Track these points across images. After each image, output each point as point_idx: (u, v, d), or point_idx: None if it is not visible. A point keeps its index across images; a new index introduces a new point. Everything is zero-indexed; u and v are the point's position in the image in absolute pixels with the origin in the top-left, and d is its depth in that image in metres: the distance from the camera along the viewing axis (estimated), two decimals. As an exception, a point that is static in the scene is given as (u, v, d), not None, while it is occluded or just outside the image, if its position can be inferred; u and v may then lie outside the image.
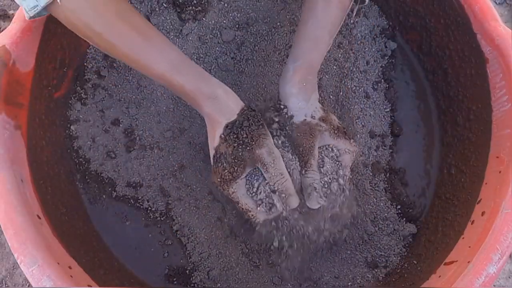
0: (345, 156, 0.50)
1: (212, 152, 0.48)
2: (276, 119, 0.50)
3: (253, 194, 0.47)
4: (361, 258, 0.61)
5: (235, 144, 0.46)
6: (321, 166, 0.49)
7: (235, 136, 0.46)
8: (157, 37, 0.46)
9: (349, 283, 0.60)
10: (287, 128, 0.50)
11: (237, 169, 0.46)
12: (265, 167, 0.46)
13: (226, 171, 0.46)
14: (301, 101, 0.50)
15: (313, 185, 0.47)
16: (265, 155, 0.46)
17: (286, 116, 0.50)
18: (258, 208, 0.47)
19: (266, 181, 0.47)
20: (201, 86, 0.46)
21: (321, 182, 0.48)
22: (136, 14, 0.46)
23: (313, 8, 0.50)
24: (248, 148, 0.46)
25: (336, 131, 0.49)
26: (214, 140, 0.47)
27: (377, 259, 0.61)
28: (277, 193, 0.46)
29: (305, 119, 0.49)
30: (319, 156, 0.49)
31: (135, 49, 0.45)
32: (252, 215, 0.48)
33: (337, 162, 0.50)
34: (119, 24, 0.44)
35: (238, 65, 0.65)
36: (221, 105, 0.46)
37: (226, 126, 0.46)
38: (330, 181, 0.49)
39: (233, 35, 0.65)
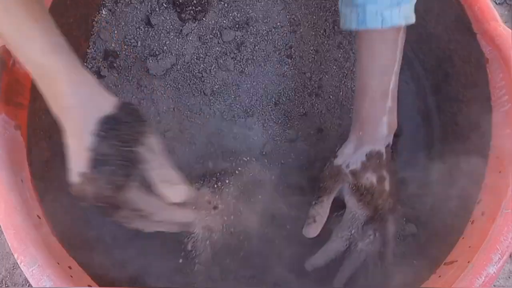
0: (348, 215, 0.52)
1: (83, 155, 0.39)
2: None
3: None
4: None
5: (118, 143, 0.38)
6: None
7: (116, 133, 0.38)
8: (42, 18, 0.38)
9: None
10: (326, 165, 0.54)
11: (129, 170, 0.39)
12: (148, 164, 0.40)
13: (115, 176, 0.39)
14: (351, 148, 0.52)
15: (314, 218, 0.50)
16: (146, 153, 0.40)
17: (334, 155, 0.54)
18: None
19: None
20: (71, 69, 0.38)
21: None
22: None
23: (363, 56, 0.50)
24: (131, 146, 0.39)
25: (355, 190, 0.51)
26: (81, 139, 0.39)
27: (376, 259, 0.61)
28: (161, 184, 0.41)
29: (341, 165, 0.52)
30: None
31: (10, 27, 0.37)
32: (152, 218, 0.44)
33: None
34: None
35: (238, 65, 0.65)
36: (93, 94, 0.39)
37: (103, 120, 0.38)
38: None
39: (233, 35, 0.65)
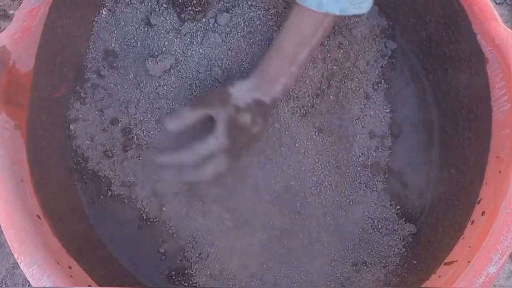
0: (210, 139, 0.56)
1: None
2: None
3: None
4: (360, 258, 0.61)
5: None
6: None
7: None
8: None
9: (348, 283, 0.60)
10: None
11: None
12: None
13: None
14: (246, 86, 0.57)
15: (179, 114, 0.58)
16: None
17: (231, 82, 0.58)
18: None
19: None
20: None
21: None
22: None
23: (289, 20, 0.55)
24: None
25: (230, 120, 0.55)
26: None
27: (376, 260, 0.61)
28: None
29: (231, 95, 0.56)
30: None
31: None
32: None
33: None
34: None
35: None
36: None
37: None
38: None
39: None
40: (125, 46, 0.64)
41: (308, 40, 0.55)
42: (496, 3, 0.91)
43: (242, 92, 0.56)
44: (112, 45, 0.64)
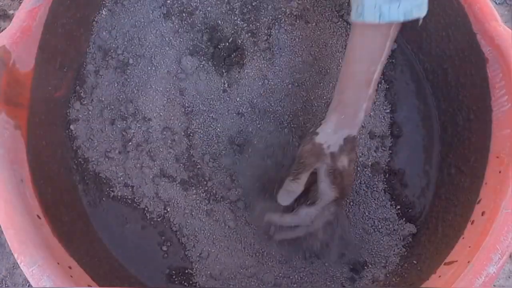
0: (320, 195, 0.54)
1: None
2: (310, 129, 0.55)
3: None
4: (360, 258, 0.61)
5: None
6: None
7: None
8: None
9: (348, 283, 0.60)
10: (305, 139, 0.55)
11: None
12: None
13: None
14: (332, 129, 0.53)
15: (288, 189, 0.54)
16: None
17: (314, 131, 0.54)
18: None
19: None
20: None
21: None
22: None
23: (351, 45, 0.51)
24: None
25: (331, 171, 0.52)
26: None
27: (376, 260, 0.61)
28: None
29: (322, 144, 0.52)
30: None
31: None
32: None
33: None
34: None
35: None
36: None
37: None
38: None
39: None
40: (124, 47, 0.64)
41: (379, 57, 0.50)
42: (496, 3, 0.91)
43: (330, 136, 0.53)
44: (112, 45, 0.64)
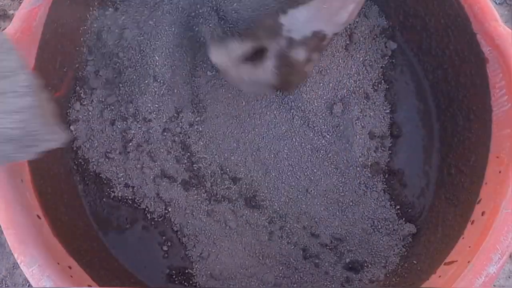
0: (257, 67, 0.49)
1: None
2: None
3: None
4: (360, 258, 0.61)
5: None
6: None
7: None
8: None
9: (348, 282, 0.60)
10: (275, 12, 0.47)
11: None
12: None
13: None
14: (304, 15, 0.45)
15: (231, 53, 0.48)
16: None
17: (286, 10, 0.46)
18: None
19: None
20: None
21: None
22: None
23: None
24: None
25: (281, 55, 0.48)
26: None
27: (376, 260, 0.61)
28: None
29: (284, 25, 0.46)
30: None
31: None
32: None
33: None
34: None
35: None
36: None
37: None
38: None
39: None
40: (124, 47, 0.64)
41: None
42: (496, 3, 0.91)
43: (297, 21, 0.46)
44: (111, 45, 0.64)
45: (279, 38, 0.46)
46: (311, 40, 0.47)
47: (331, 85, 0.66)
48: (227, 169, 0.63)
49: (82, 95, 0.63)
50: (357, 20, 0.67)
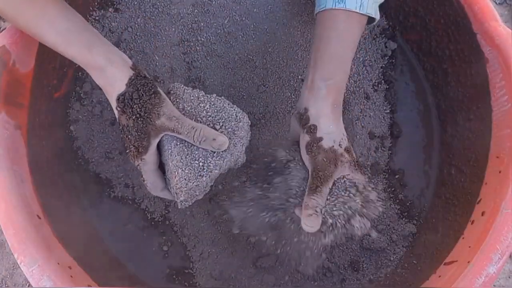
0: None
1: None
2: (307, 139, 0.48)
3: (189, 161, 0.45)
4: (360, 258, 0.61)
5: (134, 117, 0.44)
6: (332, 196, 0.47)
7: (129, 109, 0.44)
8: (52, 9, 0.44)
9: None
10: (311, 149, 0.47)
11: (143, 143, 0.45)
12: (174, 131, 0.45)
13: (131, 145, 0.45)
14: (332, 124, 0.48)
15: (315, 209, 0.44)
16: (166, 123, 0.44)
17: (315, 137, 0.48)
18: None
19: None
20: (87, 57, 0.45)
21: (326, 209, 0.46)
22: None
23: (335, 27, 0.49)
24: (147, 120, 0.44)
25: (356, 165, 0.48)
26: (114, 110, 0.46)
27: (376, 260, 0.61)
28: (203, 143, 0.45)
29: (333, 146, 0.47)
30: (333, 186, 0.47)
31: (28, 21, 0.44)
32: (149, 187, 0.48)
33: (348, 195, 0.48)
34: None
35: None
36: (107, 77, 0.45)
37: (118, 98, 0.45)
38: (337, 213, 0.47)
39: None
40: (124, 47, 0.64)
41: (356, 44, 0.49)
42: (496, 3, 0.91)
43: (334, 133, 0.48)
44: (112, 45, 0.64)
45: (341, 157, 0.47)
46: (346, 133, 0.50)
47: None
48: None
49: (82, 95, 0.63)
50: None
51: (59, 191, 0.56)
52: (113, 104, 0.45)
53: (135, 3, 0.65)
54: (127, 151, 0.46)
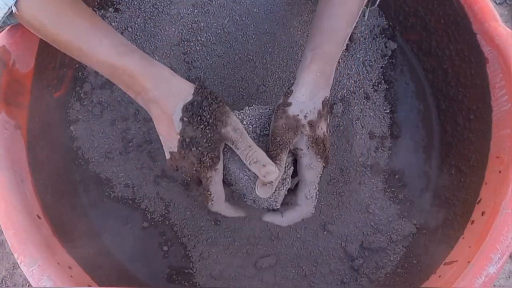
0: (307, 171, 0.47)
1: (174, 137, 0.44)
2: (279, 101, 0.47)
3: (236, 180, 0.45)
4: (360, 258, 0.61)
5: (202, 126, 0.43)
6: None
7: (198, 118, 0.43)
8: (102, 24, 0.44)
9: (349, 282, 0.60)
10: (277, 112, 0.47)
11: (214, 153, 0.44)
12: (234, 144, 0.44)
13: (205, 156, 0.43)
14: (308, 93, 0.47)
15: (266, 176, 0.44)
16: (231, 132, 0.44)
17: (286, 101, 0.47)
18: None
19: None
20: (146, 66, 0.43)
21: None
22: (83, 4, 0.44)
23: (329, 1, 0.49)
24: (214, 128, 0.43)
25: (313, 142, 0.47)
26: (171, 125, 0.44)
27: (376, 259, 0.61)
28: (253, 165, 0.44)
29: (298, 115, 0.46)
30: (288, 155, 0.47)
31: (79, 35, 0.43)
32: (213, 199, 0.46)
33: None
34: (65, 12, 0.43)
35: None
36: (172, 86, 0.44)
37: (185, 108, 0.43)
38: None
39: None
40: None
41: (354, 20, 0.49)
42: (496, 3, 0.91)
43: (305, 104, 0.47)
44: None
45: (301, 129, 0.46)
46: (323, 110, 0.48)
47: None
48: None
49: (82, 95, 0.63)
50: (357, 20, 0.67)
51: (59, 191, 0.56)
52: (176, 115, 0.43)
53: (135, 3, 0.65)
54: (194, 163, 0.44)
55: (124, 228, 0.61)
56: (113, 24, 0.64)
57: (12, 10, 0.42)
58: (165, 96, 0.43)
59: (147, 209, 0.62)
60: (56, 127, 0.59)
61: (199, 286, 0.60)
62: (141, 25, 0.65)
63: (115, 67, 0.43)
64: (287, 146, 0.46)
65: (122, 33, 0.64)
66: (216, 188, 0.45)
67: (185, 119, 0.43)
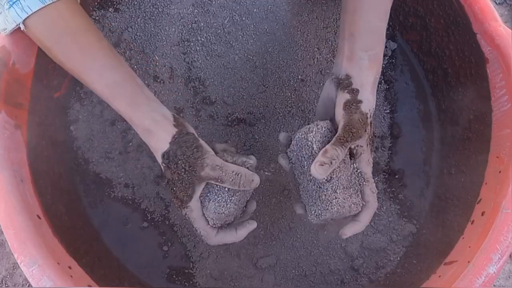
0: (367, 166, 0.49)
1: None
2: (347, 97, 0.48)
3: (223, 207, 0.48)
4: (360, 258, 0.61)
5: (178, 172, 0.46)
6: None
7: (174, 165, 0.46)
8: (102, 59, 0.47)
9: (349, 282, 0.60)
10: (350, 106, 0.48)
11: (187, 192, 0.47)
12: (217, 181, 0.46)
13: (180, 193, 0.47)
14: (372, 94, 0.49)
15: (331, 160, 0.45)
16: (210, 173, 0.46)
17: (356, 98, 0.48)
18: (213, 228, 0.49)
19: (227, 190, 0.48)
20: (132, 117, 0.47)
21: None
22: (91, 34, 0.47)
23: None
24: (192, 173, 0.46)
25: (370, 140, 0.49)
26: (160, 165, 0.48)
27: (376, 259, 0.61)
28: (242, 187, 0.47)
29: (367, 113, 0.48)
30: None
31: (78, 67, 0.46)
32: (204, 236, 0.49)
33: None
34: (67, 43, 0.46)
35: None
36: (152, 136, 0.47)
37: (162, 156, 0.47)
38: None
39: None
40: (124, 48, 0.64)
41: (388, 14, 0.50)
42: (496, 3, 0.91)
43: (370, 102, 0.49)
44: (112, 45, 0.64)
45: (367, 128, 0.48)
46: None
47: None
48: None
49: (82, 95, 0.63)
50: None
51: (59, 191, 0.56)
52: (159, 160, 0.48)
53: (135, 3, 0.65)
54: (174, 202, 0.48)
55: (123, 228, 0.61)
56: (113, 24, 0.64)
57: (20, 27, 0.45)
58: (149, 144, 0.48)
59: (147, 209, 0.62)
60: (56, 127, 0.59)
61: (199, 286, 0.60)
62: (141, 25, 0.65)
63: (110, 104, 0.48)
64: (357, 139, 0.47)
65: (122, 33, 0.64)
66: (198, 223, 0.49)
67: (163, 165, 0.47)
